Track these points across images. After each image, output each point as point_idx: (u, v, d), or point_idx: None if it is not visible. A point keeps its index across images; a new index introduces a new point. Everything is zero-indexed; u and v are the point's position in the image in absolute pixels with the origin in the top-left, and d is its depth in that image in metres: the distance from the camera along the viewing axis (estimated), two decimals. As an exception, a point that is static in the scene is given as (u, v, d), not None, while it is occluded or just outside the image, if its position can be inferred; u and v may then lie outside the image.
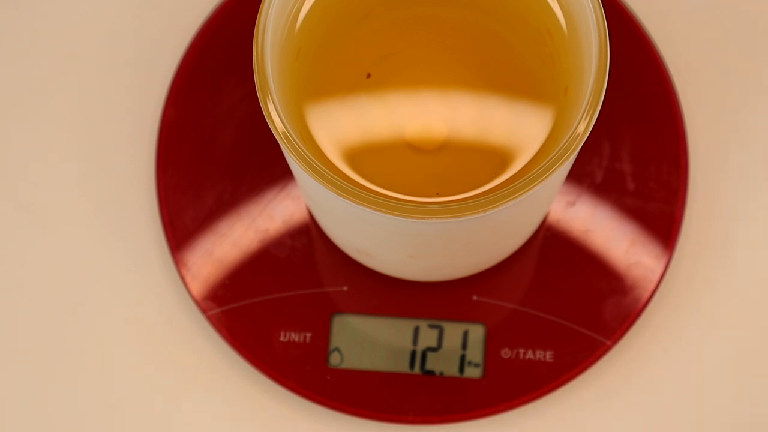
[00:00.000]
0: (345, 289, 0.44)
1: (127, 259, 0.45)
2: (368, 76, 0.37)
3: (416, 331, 0.43)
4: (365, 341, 0.43)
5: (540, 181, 0.33)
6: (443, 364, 0.43)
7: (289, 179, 0.45)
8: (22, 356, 0.45)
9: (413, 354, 0.43)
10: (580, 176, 0.45)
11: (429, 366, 0.43)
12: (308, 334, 0.43)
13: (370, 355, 0.43)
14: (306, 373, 0.43)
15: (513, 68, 0.37)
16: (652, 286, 0.44)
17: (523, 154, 0.36)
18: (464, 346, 0.43)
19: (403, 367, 0.43)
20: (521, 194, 0.33)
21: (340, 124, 0.36)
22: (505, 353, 0.43)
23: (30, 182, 0.46)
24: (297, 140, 0.34)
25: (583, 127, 0.33)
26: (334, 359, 0.43)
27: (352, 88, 0.37)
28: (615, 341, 0.43)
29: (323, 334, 0.43)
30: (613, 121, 0.45)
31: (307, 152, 0.33)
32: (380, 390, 0.43)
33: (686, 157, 0.45)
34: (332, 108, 0.37)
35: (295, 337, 0.43)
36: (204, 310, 0.44)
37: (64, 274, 0.45)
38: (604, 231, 0.44)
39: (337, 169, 0.36)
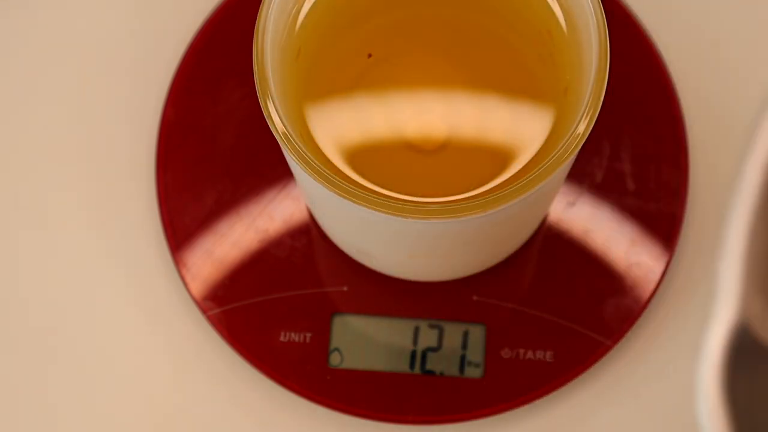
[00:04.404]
0: (345, 289, 0.44)
1: (127, 259, 0.45)
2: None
3: (416, 331, 0.43)
4: (365, 341, 0.43)
5: (540, 182, 0.33)
6: (443, 364, 0.43)
7: (289, 179, 0.45)
8: (21, 356, 0.44)
9: (413, 354, 0.43)
10: (580, 176, 0.44)
11: (429, 366, 0.43)
12: (308, 334, 0.43)
13: (370, 355, 0.43)
14: (306, 373, 0.43)
15: (513, 68, 0.37)
16: (652, 286, 0.44)
17: (523, 154, 0.36)
18: (464, 346, 0.43)
19: (403, 367, 0.43)
20: (521, 194, 0.33)
21: (340, 124, 0.36)
22: (505, 353, 0.43)
23: (30, 182, 0.46)
24: (297, 140, 0.34)
25: (583, 127, 0.33)
26: (334, 359, 0.43)
27: (352, 88, 0.37)
28: (615, 341, 0.43)
29: (323, 334, 0.43)
30: (613, 121, 0.45)
31: (307, 152, 0.33)
32: (380, 390, 0.43)
33: (686, 157, 0.45)
34: (332, 108, 0.37)
35: (295, 337, 0.43)
36: (204, 310, 0.44)
37: (63, 274, 0.45)
38: (604, 231, 0.44)
39: (337, 169, 0.36)
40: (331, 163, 0.36)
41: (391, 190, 0.35)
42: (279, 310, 0.44)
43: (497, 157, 0.36)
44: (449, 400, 0.43)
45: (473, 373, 0.43)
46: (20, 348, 0.45)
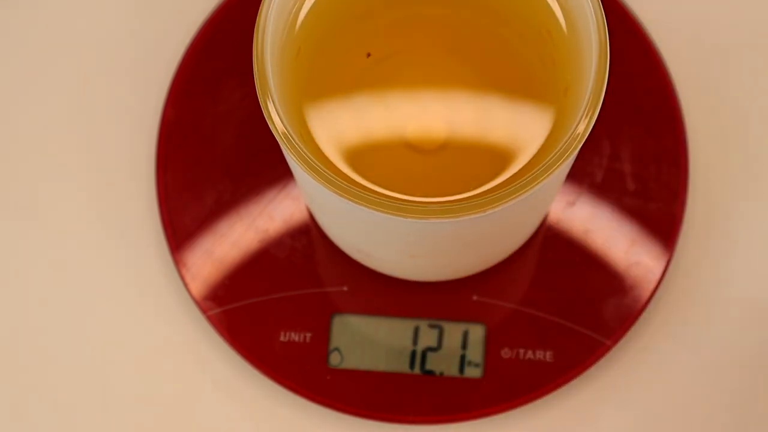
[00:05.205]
0: (345, 289, 0.44)
1: (127, 259, 0.45)
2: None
3: (416, 331, 0.43)
4: (365, 341, 0.43)
5: (540, 181, 0.33)
6: (443, 364, 0.43)
7: (289, 179, 0.45)
8: (21, 356, 0.45)
9: (413, 354, 0.43)
10: (580, 176, 0.44)
11: (429, 366, 0.43)
12: (308, 334, 0.43)
13: (370, 355, 0.43)
14: (306, 373, 0.43)
15: (513, 68, 0.37)
16: (652, 286, 0.44)
17: (523, 154, 0.36)
18: (464, 346, 0.43)
19: (403, 367, 0.43)
20: (521, 194, 0.33)
21: (340, 124, 0.36)
22: (505, 353, 0.43)
23: (30, 182, 0.46)
24: (297, 140, 0.34)
25: (583, 127, 0.33)
26: (334, 359, 0.43)
27: (352, 88, 0.37)
28: (615, 341, 0.43)
29: (323, 334, 0.43)
30: (613, 121, 0.45)
31: (307, 152, 0.33)
32: (380, 390, 0.43)
33: (686, 157, 0.45)
34: (332, 108, 0.37)
35: (295, 337, 0.43)
36: (204, 310, 0.44)
37: (64, 274, 0.45)
38: (604, 231, 0.44)
39: (337, 169, 0.36)
40: (331, 163, 0.36)
41: (391, 190, 0.35)
42: (279, 310, 0.44)
43: (497, 157, 0.36)
44: (449, 400, 0.43)
45: (473, 373, 0.43)
46: (20, 348, 0.45)
